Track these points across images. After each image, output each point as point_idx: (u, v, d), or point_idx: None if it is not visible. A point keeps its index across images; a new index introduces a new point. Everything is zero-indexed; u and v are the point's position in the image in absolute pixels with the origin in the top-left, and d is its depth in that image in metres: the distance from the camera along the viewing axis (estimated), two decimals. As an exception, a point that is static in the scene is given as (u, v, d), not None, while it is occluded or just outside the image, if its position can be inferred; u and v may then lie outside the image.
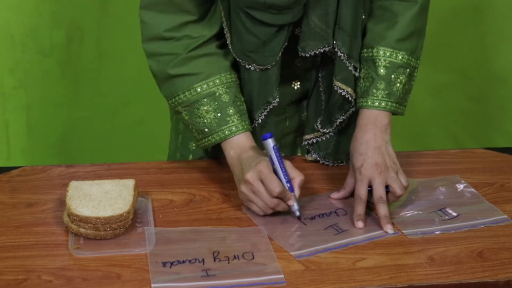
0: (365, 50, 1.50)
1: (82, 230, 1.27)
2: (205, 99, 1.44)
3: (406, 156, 1.62)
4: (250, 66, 1.46)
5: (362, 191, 1.39)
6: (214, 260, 1.23)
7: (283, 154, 1.63)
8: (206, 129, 1.45)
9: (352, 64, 1.48)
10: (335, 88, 1.49)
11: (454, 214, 1.41)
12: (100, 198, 1.32)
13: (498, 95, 3.33)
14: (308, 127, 1.59)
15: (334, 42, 1.46)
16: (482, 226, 1.37)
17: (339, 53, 1.46)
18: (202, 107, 1.44)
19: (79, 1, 2.90)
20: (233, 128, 1.44)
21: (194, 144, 1.64)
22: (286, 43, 1.45)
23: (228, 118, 1.44)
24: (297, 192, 1.37)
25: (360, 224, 1.36)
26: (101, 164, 1.57)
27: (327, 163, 1.59)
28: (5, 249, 1.25)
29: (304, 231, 1.34)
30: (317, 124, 1.56)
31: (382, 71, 1.47)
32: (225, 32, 1.46)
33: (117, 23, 2.94)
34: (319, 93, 1.55)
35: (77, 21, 2.92)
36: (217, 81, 1.45)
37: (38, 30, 2.91)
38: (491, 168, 1.58)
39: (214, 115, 1.44)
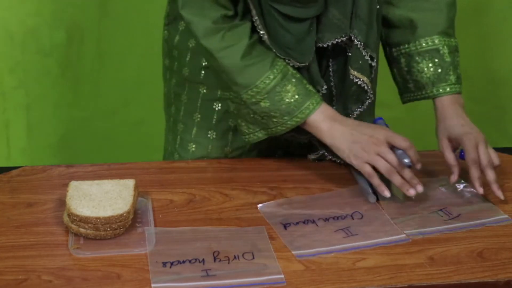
0: (424, 40, 1.57)
1: (82, 230, 1.27)
2: (284, 80, 1.44)
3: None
4: (289, 61, 1.47)
5: (475, 155, 1.46)
6: (214, 260, 1.23)
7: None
8: (293, 107, 1.44)
9: (369, 54, 1.50)
10: (351, 77, 1.50)
11: (455, 214, 1.41)
12: (100, 198, 1.32)
13: (498, 95, 3.33)
14: None
15: (351, 31, 1.48)
16: (482, 226, 1.37)
17: (356, 42, 1.48)
18: (284, 88, 1.44)
19: (79, 1, 2.89)
20: (317, 98, 1.46)
21: (193, 146, 1.64)
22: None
23: (310, 90, 1.45)
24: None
25: (481, 189, 1.44)
26: (101, 164, 1.57)
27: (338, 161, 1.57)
28: (5, 249, 1.25)
29: (314, 231, 1.34)
30: None
31: (448, 57, 1.56)
32: (258, 30, 1.46)
33: (117, 23, 2.94)
34: (330, 88, 1.55)
35: (77, 21, 2.92)
36: (281, 59, 1.45)
37: (38, 30, 2.91)
38: (491, 168, 1.58)
39: (297, 92, 1.44)
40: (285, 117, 1.45)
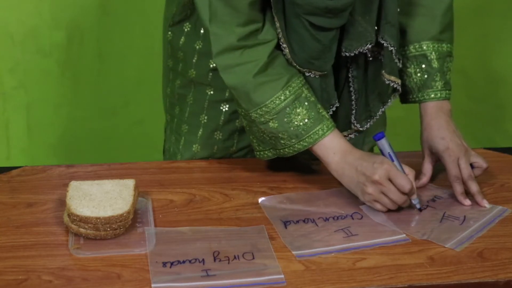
0: (412, 46, 1.57)
1: (82, 230, 1.27)
2: (295, 102, 1.42)
3: (406, 156, 1.62)
4: (310, 73, 1.46)
5: (456, 171, 1.48)
6: (214, 260, 1.23)
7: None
8: (302, 131, 1.43)
9: (397, 56, 1.50)
10: (387, 82, 1.50)
11: (459, 216, 1.41)
12: (100, 198, 1.32)
13: (498, 95, 3.33)
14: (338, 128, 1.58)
15: (382, 37, 1.47)
16: (489, 225, 1.37)
17: (390, 47, 1.47)
18: (294, 110, 1.42)
19: (79, 1, 2.90)
20: (329, 124, 1.44)
21: (199, 147, 1.64)
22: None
23: (323, 116, 1.44)
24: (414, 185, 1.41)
25: (468, 201, 1.45)
26: (101, 164, 1.57)
27: None
28: (5, 249, 1.25)
29: (314, 231, 1.34)
30: (353, 122, 1.57)
31: (435, 64, 1.56)
32: (281, 43, 1.44)
33: (117, 23, 2.94)
34: (349, 94, 1.56)
35: (77, 21, 2.92)
36: (298, 81, 1.44)
37: (38, 30, 2.91)
38: (491, 168, 1.58)
39: (308, 115, 1.43)
40: (293, 140, 1.44)
